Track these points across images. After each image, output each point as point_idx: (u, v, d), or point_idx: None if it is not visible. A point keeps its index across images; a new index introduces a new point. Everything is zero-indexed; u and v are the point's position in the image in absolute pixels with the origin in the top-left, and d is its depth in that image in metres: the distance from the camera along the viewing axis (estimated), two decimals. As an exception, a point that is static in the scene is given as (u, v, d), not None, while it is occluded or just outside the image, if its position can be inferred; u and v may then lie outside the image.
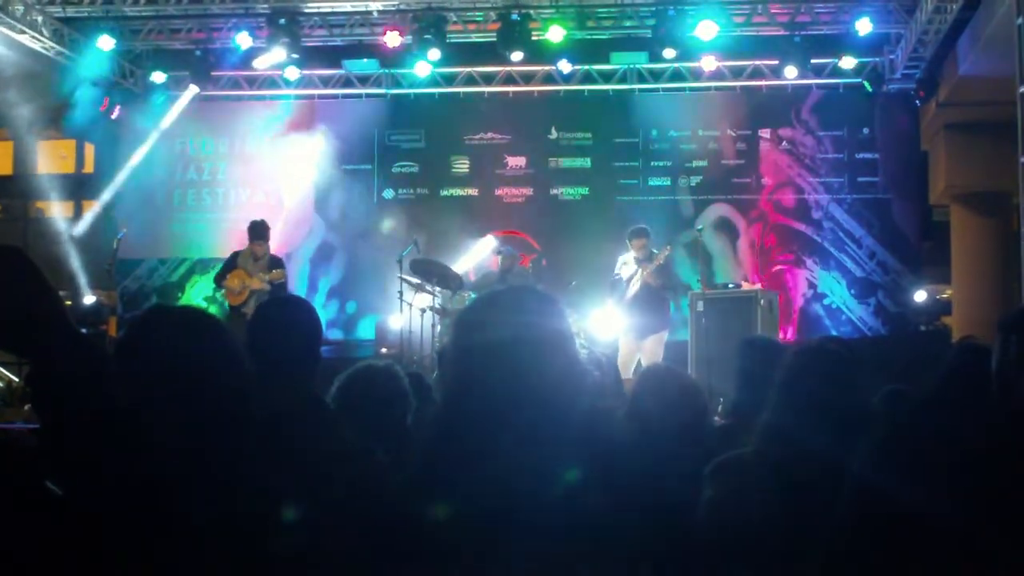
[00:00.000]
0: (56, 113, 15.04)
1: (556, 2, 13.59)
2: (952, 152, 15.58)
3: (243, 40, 13.94)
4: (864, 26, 13.27)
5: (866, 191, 14.73)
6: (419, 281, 11.66)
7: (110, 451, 1.98)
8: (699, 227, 13.04)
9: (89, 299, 14.63)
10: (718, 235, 14.75)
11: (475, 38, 14.44)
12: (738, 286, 12.32)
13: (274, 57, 13.95)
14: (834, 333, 13.50)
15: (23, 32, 13.24)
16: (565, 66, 14.58)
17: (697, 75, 14.98)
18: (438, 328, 11.48)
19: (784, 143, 14.93)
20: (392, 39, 13.61)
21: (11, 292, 1.96)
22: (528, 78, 15.35)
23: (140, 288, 15.50)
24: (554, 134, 15.34)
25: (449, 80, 15.53)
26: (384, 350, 12.95)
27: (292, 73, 14.77)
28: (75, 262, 15.13)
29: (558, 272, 13.12)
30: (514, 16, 13.36)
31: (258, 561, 2.03)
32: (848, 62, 14.15)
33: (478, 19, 14.16)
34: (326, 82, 15.82)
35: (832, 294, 14.61)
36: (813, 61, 14.11)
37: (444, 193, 15.40)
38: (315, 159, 15.27)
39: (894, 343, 13.12)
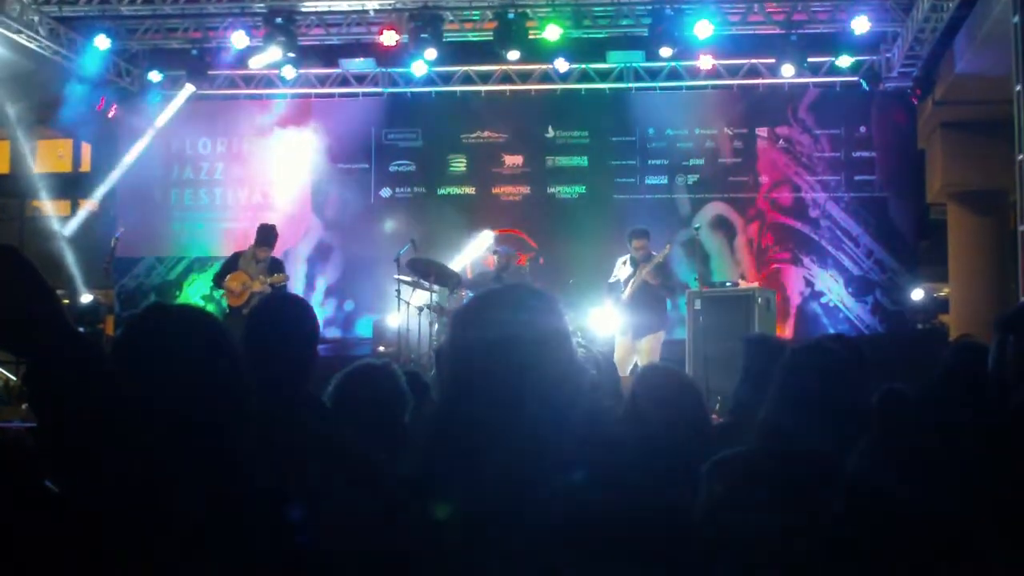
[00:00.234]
0: (52, 112, 15.03)
1: (552, 1, 13.59)
2: (949, 150, 15.60)
3: (239, 39, 13.95)
4: (861, 24, 13.28)
5: (863, 189, 14.74)
6: (416, 280, 11.66)
7: (107, 450, 1.98)
8: (696, 226, 13.05)
9: (86, 298, 14.61)
10: (715, 233, 14.75)
11: (472, 37, 14.45)
12: (735, 285, 12.32)
13: (270, 56, 13.95)
14: (832, 331, 13.50)
15: (20, 32, 13.23)
16: (562, 65, 14.60)
17: (694, 74, 14.99)
18: (435, 327, 11.48)
19: (781, 141, 14.94)
20: (388, 38, 13.60)
21: (8, 291, 1.95)
22: (525, 77, 15.35)
23: (138, 287, 15.50)
24: (551, 133, 15.34)
25: (446, 79, 15.53)
26: (381, 349, 12.94)
27: (289, 72, 14.78)
28: (72, 261, 15.13)
29: (555, 270, 13.12)
30: (511, 15, 13.36)
31: (255, 560, 2.03)
32: (845, 60, 14.16)
33: (474, 18, 14.17)
34: (323, 81, 15.82)
35: (829, 292, 14.62)
36: (810, 59, 14.12)
37: (441, 192, 15.40)
38: (312, 158, 15.28)
39: (891, 341, 13.12)
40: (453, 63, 15.06)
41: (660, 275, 10.79)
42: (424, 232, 13.38)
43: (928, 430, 1.99)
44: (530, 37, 13.68)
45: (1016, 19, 9.63)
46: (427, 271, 11.66)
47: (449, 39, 13.99)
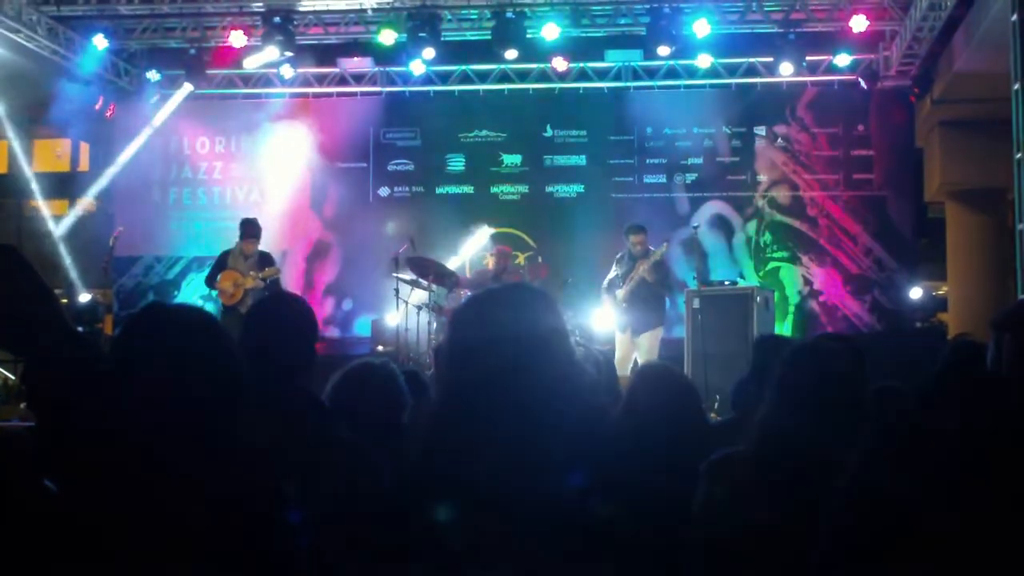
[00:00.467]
0: (51, 112, 15.01)
1: (551, 0, 13.59)
2: (947, 149, 15.60)
3: (237, 39, 13.95)
4: (859, 23, 13.27)
5: (861, 188, 14.74)
6: (415, 279, 11.66)
7: (106, 449, 1.98)
8: (695, 224, 13.06)
9: (85, 297, 14.59)
10: (714, 232, 14.75)
11: (470, 36, 14.44)
12: (734, 283, 12.33)
13: (267, 56, 13.94)
14: (830, 330, 13.51)
15: (18, 31, 13.23)
16: (560, 64, 14.59)
17: (692, 72, 14.98)
18: (434, 326, 11.49)
19: (779, 140, 14.93)
20: (387, 37, 13.60)
21: (7, 291, 1.96)
22: (523, 76, 15.34)
23: (136, 286, 15.50)
24: (549, 132, 15.33)
25: (444, 78, 15.52)
26: (380, 348, 12.95)
27: (287, 71, 14.77)
28: (70, 260, 15.12)
29: (553, 269, 13.12)
30: (509, 14, 13.37)
31: (253, 559, 2.04)
32: (843, 59, 14.16)
33: (473, 17, 14.16)
34: (321, 80, 15.81)
35: (828, 291, 14.62)
36: (808, 58, 14.12)
37: (440, 191, 15.40)
38: (310, 157, 15.29)
39: (890, 340, 13.11)
40: (451, 62, 15.04)
41: (657, 273, 10.80)
42: (422, 231, 13.38)
43: (926, 428, 1.99)
44: (528, 36, 13.69)
45: (1014, 17, 9.63)
46: (426, 270, 11.67)
47: (447, 38, 13.99)
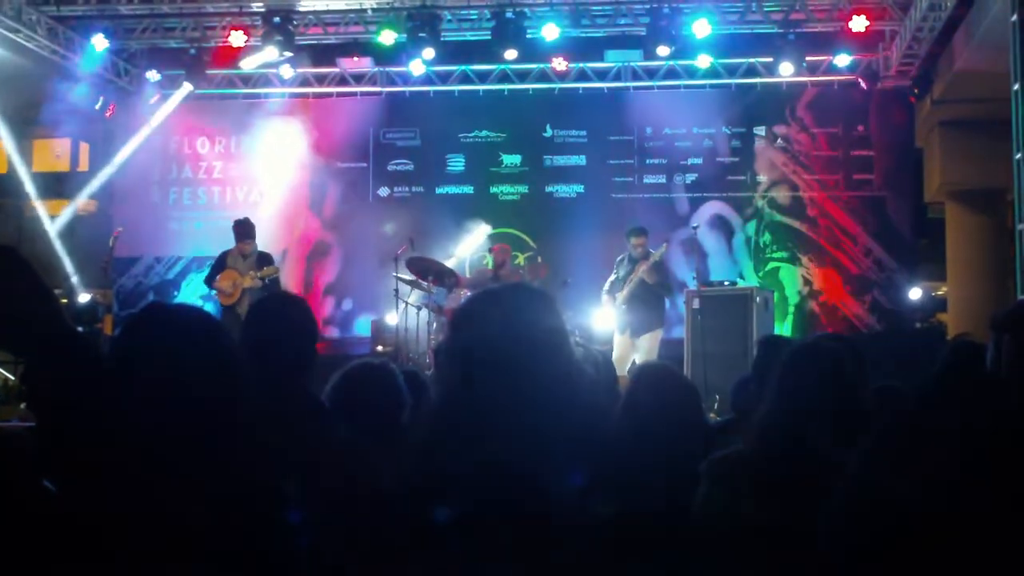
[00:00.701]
0: (50, 112, 15.01)
1: (550, 0, 13.60)
2: (947, 149, 15.59)
3: (237, 39, 13.96)
4: (858, 23, 13.28)
5: (861, 188, 14.74)
6: (414, 279, 11.67)
7: (105, 449, 1.98)
8: (694, 225, 13.07)
9: (84, 297, 14.58)
10: (713, 233, 14.75)
11: (470, 36, 14.45)
12: (734, 284, 12.34)
13: (266, 56, 13.95)
14: (830, 330, 13.50)
15: (18, 31, 13.23)
16: (560, 64, 14.59)
17: (692, 73, 14.98)
18: (434, 326, 11.49)
19: (779, 140, 14.94)
20: (386, 37, 13.61)
21: (6, 290, 1.96)
22: (523, 76, 15.34)
23: (136, 286, 15.50)
24: (549, 132, 15.34)
25: (444, 78, 15.52)
26: (380, 348, 12.95)
27: (287, 71, 14.78)
28: (70, 261, 15.12)
29: (553, 269, 13.12)
30: (508, 14, 13.37)
31: (253, 559, 2.04)
32: (843, 59, 14.16)
33: (472, 17, 14.17)
34: (321, 80, 15.82)
35: (827, 291, 14.62)
36: (808, 58, 14.12)
37: (439, 191, 15.40)
38: (310, 157, 15.29)
39: (889, 340, 13.11)
40: (451, 62, 15.04)
41: (657, 274, 10.82)
42: (422, 231, 13.38)
43: (926, 428, 1.99)
44: (528, 36, 13.69)
45: (1014, 17, 9.63)
46: (425, 270, 11.67)
47: (447, 38, 14.00)
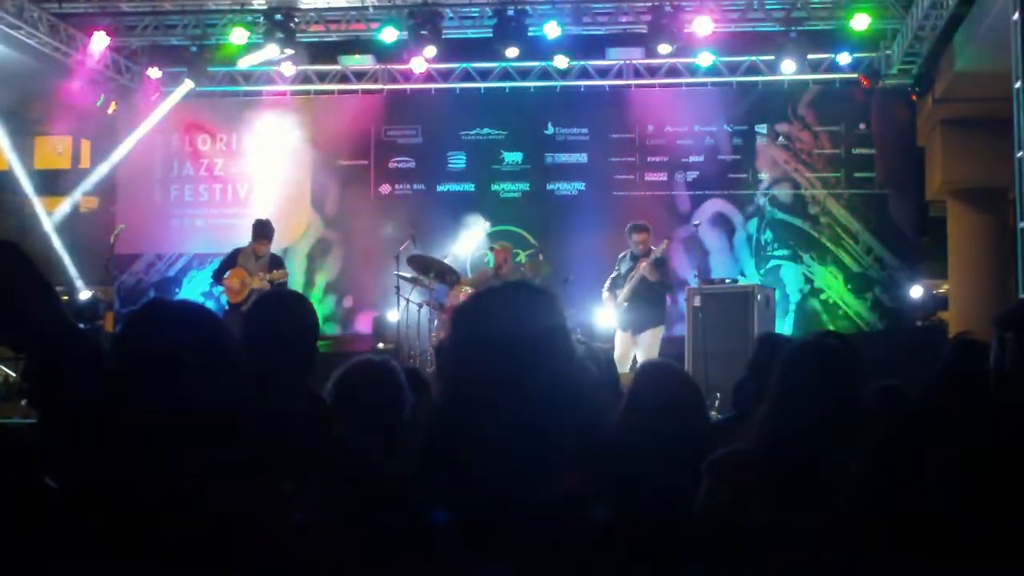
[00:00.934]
0: (52, 109, 15.02)
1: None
2: (949, 148, 15.60)
3: (239, 36, 13.95)
4: (860, 21, 13.28)
5: (863, 186, 14.73)
6: (416, 276, 11.67)
7: (106, 446, 1.98)
8: (696, 222, 13.06)
9: (85, 294, 14.61)
10: (715, 230, 14.74)
11: (471, 34, 14.45)
12: (735, 281, 12.33)
13: (268, 53, 13.94)
14: (831, 328, 13.50)
15: (20, 28, 13.23)
16: (561, 61, 14.59)
17: (693, 71, 14.97)
18: (435, 323, 11.49)
19: (781, 138, 14.92)
20: (388, 34, 13.61)
21: (7, 287, 1.95)
22: (524, 73, 15.33)
23: (137, 283, 15.50)
24: (550, 129, 15.32)
25: (445, 76, 15.51)
26: (381, 345, 12.96)
27: (288, 68, 14.78)
28: (71, 258, 15.12)
29: (554, 267, 13.11)
30: (510, 12, 13.37)
31: (253, 557, 2.03)
32: (844, 58, 14.16)
33: (474, 14, 14.17)
34: (322, 77, 15.81)
35: (829, 289, 14.61)
36: (809, 57, 14.11)
37: (440, 188, 15.39)
38: (311, 155, 15.29)
39: (891, 338, 13.11)
40: (452, 60, 15.04)
41: (658, 271, 10.81)
42: (423, 229, 13.38)
43: (928, 428, 1.99)
44: (529, 34, 13.69)
45: (1016, 16, 9.62)
46: (427, 268, 11.67)
47: (448, 36, 13.99)
